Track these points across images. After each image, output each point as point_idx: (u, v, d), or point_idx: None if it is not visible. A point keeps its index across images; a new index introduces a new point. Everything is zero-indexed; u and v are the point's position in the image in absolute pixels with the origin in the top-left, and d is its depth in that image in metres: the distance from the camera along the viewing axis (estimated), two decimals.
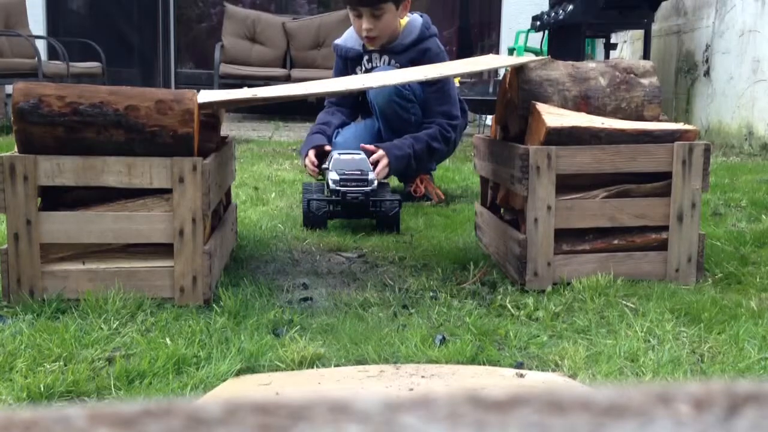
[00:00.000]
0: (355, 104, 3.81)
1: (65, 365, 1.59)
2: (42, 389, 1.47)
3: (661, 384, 0.21)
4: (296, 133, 6.76)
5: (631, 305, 2.02)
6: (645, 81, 2.38)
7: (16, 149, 2.01)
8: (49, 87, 1.98)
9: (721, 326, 1.86)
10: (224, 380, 1.54)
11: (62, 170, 1.96)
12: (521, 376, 1.52)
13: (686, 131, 2.27)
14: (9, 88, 6.35)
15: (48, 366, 1.57)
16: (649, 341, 1.78)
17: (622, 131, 2.22)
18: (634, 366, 1.64)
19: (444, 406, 0.20)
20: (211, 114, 2.27)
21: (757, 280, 2.27)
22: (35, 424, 0.20)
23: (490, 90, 6.44)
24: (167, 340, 1.72)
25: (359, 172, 2.99)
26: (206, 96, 2.22)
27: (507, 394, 0.21)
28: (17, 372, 1.55)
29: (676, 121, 4.03)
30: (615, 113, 2.33)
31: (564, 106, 2.30)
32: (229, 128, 6.07)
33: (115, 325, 1.82)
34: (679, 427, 0.19)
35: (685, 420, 0.20)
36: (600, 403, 0.20)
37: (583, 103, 2.31)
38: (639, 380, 1.58)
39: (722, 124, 6.21)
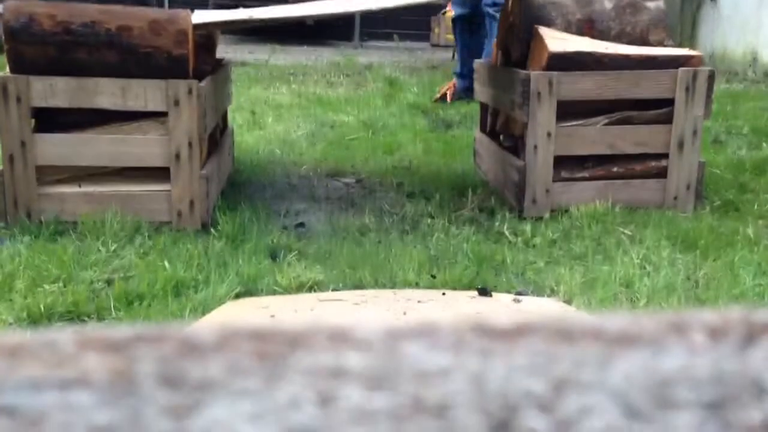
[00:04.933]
0: None
1: (64, 286, 1.59)
2: (42, 309, 1.48)
3: (676, 312, 0.20)
4: (293, 56, 6.64)
5: (628, 232, 2.02)
6: (650, 4, 2.32)
7: (8, 69, 1.97)
8: (39, 5, 1.93)
9: (717, 253, 1.87)
10: (223, 303, 1.55)
11: (55, 91, 1.92)
12: (518, 301, 1.54)
13: (690, 57, 2.23)
14: None
15: (47, 287, 1.58)
16: (644, 268, 1.79)
17: (626, 57, 2.18)
18: (629, 292, 1.65)
19: (448, 334, 0.19)
20: (207, 35, 2.22)
21: (755, 207, 2.27)
22: (22, 348, 0.19)
23: None
24: (165, 263, 1.72)
25: None
26: (201, 17, 2.16)
27: (513, 323, 0.20)
28: (17, 293, 1.56)
29: (680, 47, 3.94)
30: (620, 37, 2.28)
31: (568, 30, 2.25)
32: (224, 50, 5.94)
33: (113, 248, 1.82)
34: (693, 356, 0.19)
35: (700, 349, 0.19)
36: (610, 331, 0.20)
37: (588, 26, 2.26)
38: (633, 306, 1.60)
39: (727, 51, 6.11)
